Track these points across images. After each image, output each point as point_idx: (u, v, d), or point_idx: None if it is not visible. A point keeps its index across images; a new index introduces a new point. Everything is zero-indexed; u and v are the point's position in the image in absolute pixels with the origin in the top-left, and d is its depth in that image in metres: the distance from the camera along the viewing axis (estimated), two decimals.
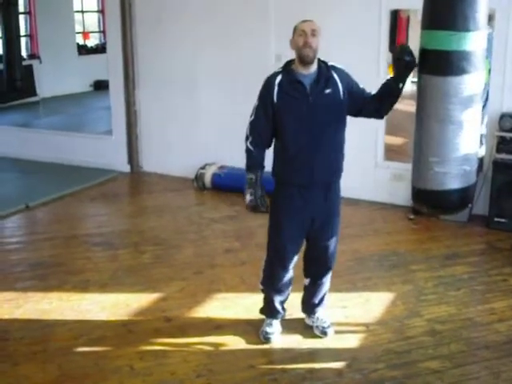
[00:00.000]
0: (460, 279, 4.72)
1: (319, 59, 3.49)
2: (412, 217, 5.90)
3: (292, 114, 3.46)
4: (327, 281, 3.90)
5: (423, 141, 3.19)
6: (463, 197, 3.23)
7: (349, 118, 3.58)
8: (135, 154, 7.69)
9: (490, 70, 5.87)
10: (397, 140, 7.85)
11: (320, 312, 3.97)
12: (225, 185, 6.74)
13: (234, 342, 3.84)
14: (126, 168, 7.71)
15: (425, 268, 4.90)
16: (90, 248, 5.45)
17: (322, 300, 3.95)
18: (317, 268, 3.82)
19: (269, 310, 3.93)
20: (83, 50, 14.61)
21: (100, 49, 14.02)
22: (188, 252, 5.30)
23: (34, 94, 12.18)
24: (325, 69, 3.48)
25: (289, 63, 3.53)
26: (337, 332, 3.93)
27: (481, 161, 5.82)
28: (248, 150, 3.59)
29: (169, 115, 7.39)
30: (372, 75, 6.18)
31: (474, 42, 2.98)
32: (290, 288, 3.88)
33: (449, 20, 2.93)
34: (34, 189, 7.14)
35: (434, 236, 5.67)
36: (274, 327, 3.90)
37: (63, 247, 5.44)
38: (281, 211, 3.63)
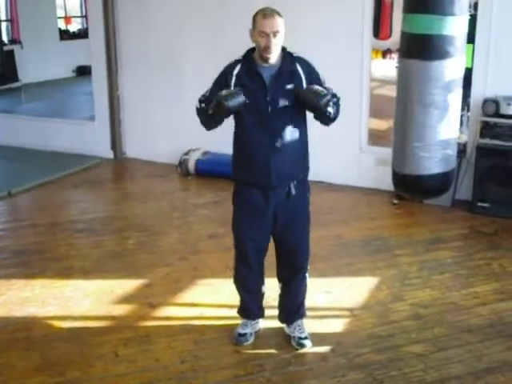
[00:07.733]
0: (444, 263, 4.74)
1: (284, 49, 3.23)
2: (396, 202, 5.91)
3: (249, 108, 3.19)
4: (302, 287, 3.61)
5: (407, 126, 3.18)
6: (446, 181, 3.29)
7: None
8: (118, 139, 7.62)
9: (473, 55, 5.88)
10: (381, 125, 7.85)
11: (297, 322, 3.66)
12: (209, 170, 6.72)
13: (219, 328, 3.83)
14: (110, 154, 7.64)
15: (409, 253, 4.92)
16: (73, 234, 5.42)
17: (298, 309, 3.65)
18: (287, 270, 3.56)
19: (243, 310, 3.73)
20: (65, 35, 14.46)
21: (82, 34, 13.86)
22: (172, 238, 5.28)
23: (16, 79, 12.01)
24: (289, 61, 3.22)
25: (251, 51, 3.27)
26: (321, 317, 3.94)
27: (464, 146, 5.85)
28: (198, 108, 3.31)
29: (153, 100, 7.32)
30: (356, 62, 6.18)
31: (457, 26, 2.97)
32: (263, 290, 3.67)
33: (432, 3, 2.93)
34: (17, 175, 7.08)
35: (417, 221, 5.70)
36: (248, 328, 3.69)
37: (46, 234, 5.40)
38: (240, 210, 3.47)
